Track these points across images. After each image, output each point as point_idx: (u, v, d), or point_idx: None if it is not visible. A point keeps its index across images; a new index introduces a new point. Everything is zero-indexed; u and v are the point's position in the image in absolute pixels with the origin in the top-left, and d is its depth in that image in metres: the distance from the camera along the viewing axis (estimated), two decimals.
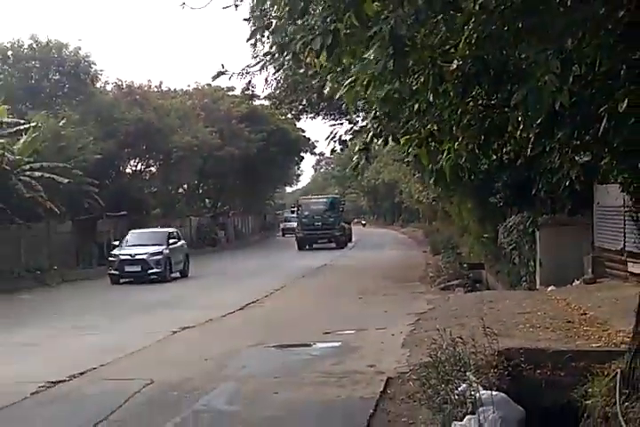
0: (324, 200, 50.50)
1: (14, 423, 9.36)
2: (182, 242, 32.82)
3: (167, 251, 29.70)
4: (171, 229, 33.74)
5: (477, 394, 8.07)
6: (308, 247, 45.91)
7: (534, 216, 20.36)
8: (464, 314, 14.33)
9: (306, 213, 46.92)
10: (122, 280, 29.95)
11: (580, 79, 6.49)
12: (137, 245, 30.29)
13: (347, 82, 8.69)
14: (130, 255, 28.98)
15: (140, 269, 28.81)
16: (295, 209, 54.28)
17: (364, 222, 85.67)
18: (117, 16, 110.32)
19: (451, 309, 16.58)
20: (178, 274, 30.98)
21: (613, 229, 17.34)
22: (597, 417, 8.08)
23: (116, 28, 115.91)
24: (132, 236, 31.38)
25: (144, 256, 29.00)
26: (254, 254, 43.83)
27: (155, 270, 28.81)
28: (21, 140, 30.25)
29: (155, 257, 28.97)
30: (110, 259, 30.00)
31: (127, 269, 28.90)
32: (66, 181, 30.36)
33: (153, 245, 29.79)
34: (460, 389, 8.33)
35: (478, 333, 10.03)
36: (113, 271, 28.90)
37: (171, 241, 30.56)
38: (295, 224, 67.74)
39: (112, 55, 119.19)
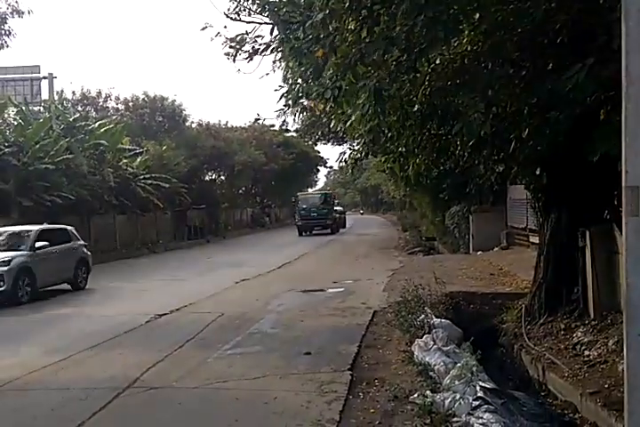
0: (318, 195, 47.11)
1: (137, 339, 10.15)
2: (75, 243, 17.90)
3: (24, 259, 15.21)
4: (47, 227, 17.52)
5: (432, 321, 8.82)
6: (305, 234, 42.47)
7: (468, 206, 21.75)
8: (423, 269, 15.21)
9: (303, 205, 44.04)
10: None
11: (497, 116, 6.95)
12: None
13: (345, 120, 10.35)
14: None
15: None
16: (294, 202, 49.00)
17: (361, 211, 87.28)
18: (199, 75, 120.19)
19: (414, 266, 17.76)
20: (67, 285, 16.91)
21: (520, 214, 18.78)
22: (510, 335, 8.77)
23: (199, 84, 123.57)
24: None
25: None
26: (287, 233, 45.44)
27: None
28: (138, 160, 32.44)
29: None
30: None
31: None
32: (167, 186, 32.57)
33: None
34: (420, 318, 9.07)
35: (432, 281, 10.99)
36: None
37: (40, 244, 15.81)
38: None
39: (196, 102, 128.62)
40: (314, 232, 43.81)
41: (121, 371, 7.98)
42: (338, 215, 48.29)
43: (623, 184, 2.89)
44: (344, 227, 50.97)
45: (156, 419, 6.38)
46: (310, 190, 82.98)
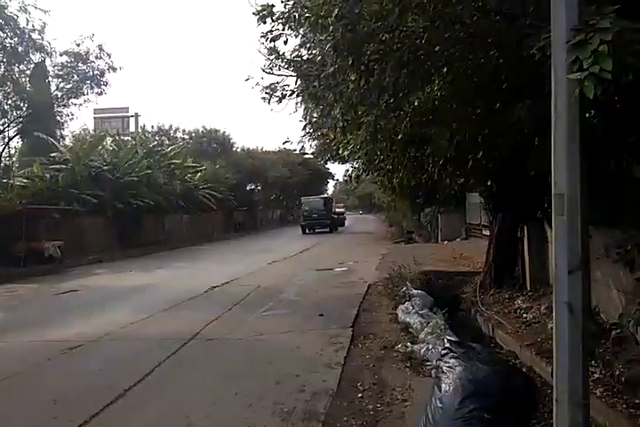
0: (319, 199, 40.14)
1: (197, 304, 10.12)
2: None
3: None
4: None
5: (411, 291, 8.70)
6: (308, 231, 37.19)
7: (437, 208, 21.71)
8: (404, 254, 14.93)
9: (306, 208, 38.36)
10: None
11: (459, 142, 6.79)
12: None
13: (349, 147, 10.37)
14: None
15: None
16: (298, 205, 44.15)
17: (360, 212, 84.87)
18: (243, 112, 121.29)
19: (398, 252, 17.56)
20: None
21: (475, 213, 18.61)
22: (468, 302, 8.60)
23: (243, 118, 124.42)
24: None
25: None
26: None
27: None
28: (198, 175, 32.53)
29: None
30: None
31: None
32: (219, 194, 33.03)
33: None
34: (402, 289, 9.03)
35: (411, 263, 10.97)
36: None
37: None
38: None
39: (240, 132, 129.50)
40: (316, 230, 38.89)
41: (186, 327, 7.99)
42: (336, 216, 42.72)
43: (553, 192, 2.88)
44: (343, 225, 45.39)
45: (213, 360, 6.38)
46: (313, 197, 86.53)
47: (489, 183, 8.58)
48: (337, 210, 47.58)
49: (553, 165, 2.88)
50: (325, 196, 43.58)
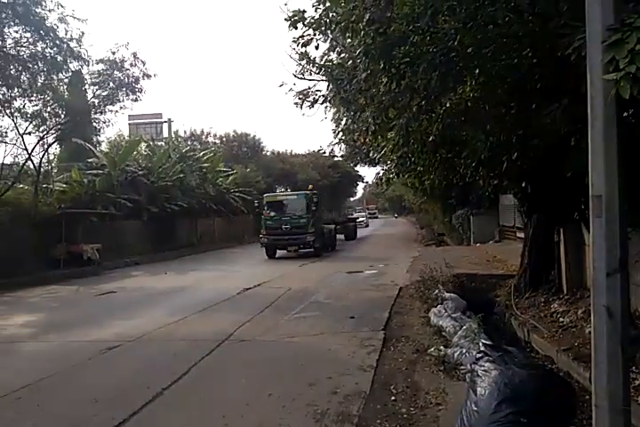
0: (294, 198, 22.43)
1: (231, 306, 10.20)
2: None
3: None
4: None
5: (443, 294, 8.68)
6: (275, 255, 21.01)
7: (470, 210, 21.28)
8: (436, 257, 14.46)
9: (272, 214, 21.56)
10: None
11: (492, 144, 6.74)
12: None
13: (380, 149, 10.36)
14: None
15: None
16: (258, 207, 29.33)
17: (395, 216, 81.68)
18: (273, 116, 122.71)
19: (429, 254, 17.16)
20: None
21: (509, 215, 18.31)
22: (502, 306, 8.54)
23: (272, 122, 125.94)
24: None
25: None
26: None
27: None
28: (230, 179, 32.75)
29: None
30: None
31: None
32: (249, 197, 33.04)
33: None
34: (434, 292, 8.98)
35: (443, 266, 10.77)
36: None
37: None
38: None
39: (270, 136, 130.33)
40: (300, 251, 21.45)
41: (220, 328, 8.10)
42: (332, 227, 25.31)
43: (590, 193, 2.84)
44: (353, 238, 30.69)
45: (246, 361, 6.46)
46: (352, 199, 78.99)
47: (524, 185, 8.41)
48: (352, 215, 40.18)
49: (590, 166, 2.85)
50: (306, 191, 23.03)
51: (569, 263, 7.84)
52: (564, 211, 7.93)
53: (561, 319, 6.81)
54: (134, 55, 18.25)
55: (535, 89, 5.60)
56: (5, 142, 17.53)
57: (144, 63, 18.44)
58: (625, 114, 4.77)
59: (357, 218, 42.50)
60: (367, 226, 48.36)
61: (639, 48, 2.57)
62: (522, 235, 11.28)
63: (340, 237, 27.94)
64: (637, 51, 2.58)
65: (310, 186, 25.14)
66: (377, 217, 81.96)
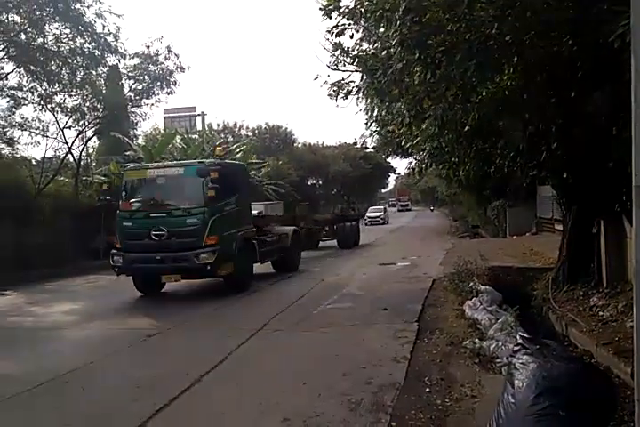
0: (178, 174, 9.70)
1: (265, 295, 10.39)
2: None
3: None
4: None
5: (478, 287, 8.52)
6: (157, 289, 10.65)
7: (506, 201, 21.02)
8: (470, 249, 14.53)
9: (133, 206, 9.81)
10: None
11: (531, 134, 6.71)
12: None
13: (414, 140, 10.27)
14: None
15: None
16: (105, 196, 11.41)
17: (432, 208, 70.54)
18: (304, 108, 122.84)
19: (463, 247, 17.19)
20: None
21: (547, 207, 17.84)
22: (539, 300, 8.37)
23: (303, 114, 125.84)
24: None
25: None
26: None
27: None
28: (262, 171, 32.63)
29: None
30: None
31: None
32: (282, 190, 33.42)
33: None
34: (469, 285, 8.79)
35: (477, 258, 10.66)
36: None
37: None
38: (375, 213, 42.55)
39: (301, 128, 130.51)
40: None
41: (254, 318, 8.23)
42: (290, 232, 13.77)
43: (633, 184, 2.77)
44: (352, 245, 20.85)
45: (281, 350, 6.57)
46: (383, 190, 78.67)
47: (564, 175, 8.21)
48: (353, 211, 31.76)
49: (633, 156, 2.77)
50: (206, 162, 10.63)
51: (609, 256, 7.67)
52: (605, 202, 7.74)
53: (600, 313, 6.66)
54: (168, 49, 18.55)
55: (576, 77, 5.54)
56: (47, 136, 18.13)
57: (177, 56, 18.73)
58: None
59: (361, 215, 31.11)
60: (385, 223, 40.58)
61: None
62: (560, 227, 11.02)
63: (332, 243, 20.08)
64: None
65: (219, 147, 15.25)
66: (410, 209, 75.64)
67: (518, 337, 4.06)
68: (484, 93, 6.65)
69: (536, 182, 13.09)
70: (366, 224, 35.50)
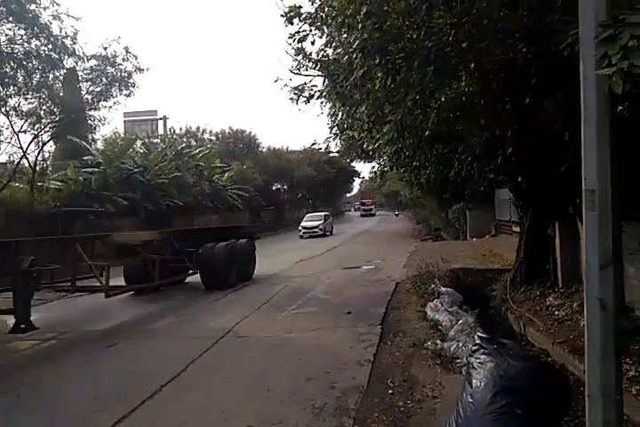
0: None
1: (229, 303, 10.08)
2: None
3: None
4: None
5: (439, 289, 8.71)
6: None
7: (466, 204, 21.32)
8: (432, 252, 14.83)
9: None
10: None
11: (488, 139, 6.81)
12: None
13: (373, 142, 10.33)
14: None
15: None
16: None
17: (396, 213, 64.84)
18: (269, 112, 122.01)
19: (426, 249, 17.36)
20: None
21: (505, 210, 18.09)
22: (498, 300, 8.50)
23: (268, 119, 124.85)
24: None
25: None
26: (335, 224, 42.49)
27: None
28: (226, 175, 32.36)
29: None
30: None
31: None
32: (246, 194, 33.01)
33: None
34: (431, 287, 8.99)
35: (439, 260, 10.86)
36: None
37: None
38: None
39: (266, 132, 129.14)
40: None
41: (218, 325, 8.15)
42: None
43: (583, 187, 2.87)
44: (226, 286, 11.97)
45: (245, 357, 6.51)
46: (348, 195, 72.66)
47: (519, 179, 8.41)
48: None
49: (583, 161, 2.88)
50: None
51: (564, 257, 7.89)
52: (559, 205, 7.96)
53: (556, 313, 6.84)
54: (126, 50, 18.15)
55: (530, 84, 5.65)
56: (0, 141, 17.43)
57: (136, 57, 18.34)
58: (619, 108, 4.82)
59: (258, 227, 22.79)
60: (327, 234, 32.62)
61: (632, 44, 2.60)
62: (517, 229, 11.25)
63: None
64: (630, 47, 2.60)
65: None
66: (374, 214, 67.10)
67: (476, 337, 4.14)
68: (442, 99, 6.77)
69: (494, 186, 13.38)
70: (301, 237, 31.25)
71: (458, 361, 5.47)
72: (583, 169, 2.90)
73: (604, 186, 2.78)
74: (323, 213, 34.15)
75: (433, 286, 9.11)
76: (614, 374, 2.75)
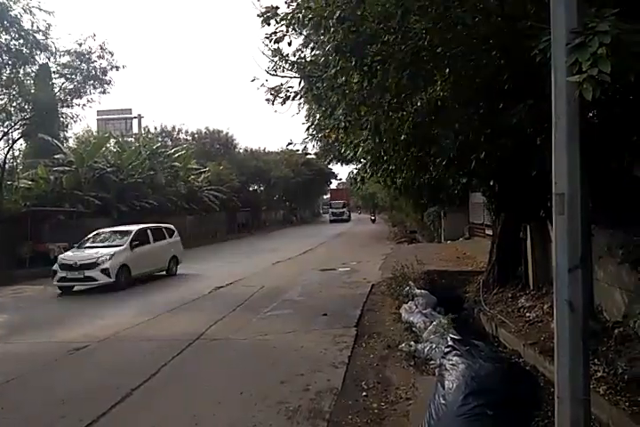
0: None
1: (202, 305, 10.10)
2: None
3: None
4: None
5: (414, 291, 8.74)
6: None
7: (441, 208, 21.31)
8: (408, 254, 14.88)
9: None
10: None
11: (461, 143, 6.68)
12: None
13: (352, 147, 10.36)
14: None
15: None
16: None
17: (373, 218, 54.53)
18: (246, 113, 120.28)
19: (401, 252, 17.40)
20: None
21: (478, 213, 18.14)
22: (471, 302, 8.58)
23: (246, 119, 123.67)
24: None
25: None
26: (309, 228, 44.14)
27: None
28: (202, 176, 32.30)
29: None
30: None
31: None
32: (223, 195, 32.64)
33: None
34: (406, 289, 9.02)
35: (414, 262, 10.95)
36: None
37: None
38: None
39: (243, 133, 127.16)
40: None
41: (191, 327, 8.04)
42: None
43: (553, 191, 2.92)
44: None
45: (218, 360, 6.45)
46: (325, 196, 69.71)
47: (492, 183, 8.51)
48: None
49: (553, 165, 2.92)
50: None
51: (535, 260, 8.02)
52: (531, 209, 8.08)
53: (527, 314, 6.94)
54: (101, 47, 17.89)
55: (503, 89, 5.66)
56: None
57: (112, 54, 18.09)
58: (590, 114, 4.92)
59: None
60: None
61: (601, 52, 2.65)
62: (490, 232, 11.43)
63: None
64: (599, 54, 2.65)
65: None
66: (348, 220, 56.45)
67: (449, 339, 4.17)
68: (417, 103, 6.81)
69: (468, 190, 13.52)
70: None
71: (432, 363, 5.51)
72: (553, 173, 2.95)
73: (574, 190, 2.83)
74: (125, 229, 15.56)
75: (408, 287, 9.13)
76: (582, 375, 2.79)
